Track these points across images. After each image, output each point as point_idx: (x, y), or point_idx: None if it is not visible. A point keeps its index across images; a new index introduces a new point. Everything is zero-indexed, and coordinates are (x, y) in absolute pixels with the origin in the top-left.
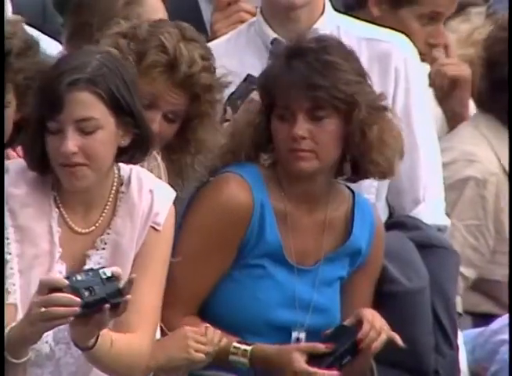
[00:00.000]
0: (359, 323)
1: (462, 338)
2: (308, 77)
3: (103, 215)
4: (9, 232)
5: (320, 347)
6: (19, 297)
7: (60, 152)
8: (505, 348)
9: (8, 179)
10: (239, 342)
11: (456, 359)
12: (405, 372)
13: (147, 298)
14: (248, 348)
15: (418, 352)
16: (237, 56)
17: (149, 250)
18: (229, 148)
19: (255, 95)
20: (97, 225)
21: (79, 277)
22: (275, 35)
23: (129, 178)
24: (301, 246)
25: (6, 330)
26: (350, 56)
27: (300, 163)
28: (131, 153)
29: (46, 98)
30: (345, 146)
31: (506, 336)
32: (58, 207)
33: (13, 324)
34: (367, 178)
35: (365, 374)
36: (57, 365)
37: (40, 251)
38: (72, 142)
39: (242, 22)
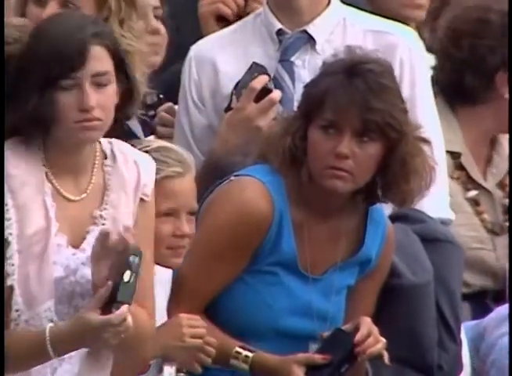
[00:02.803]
0: (356, 329)
1: (463, 329)
2: (368, 98)
3: (92, 183)
4: (11, 212)
5: (317, 358)
6: (16, 277)
7: (79, 107)
8: (504, 340)
9: (5, 160)
10: (241, 347)
11: (459, 354)
12: (409, 367)
13: (150, 273)
14: (250, 354)
15: (422, 346)
16: (242, 45)
17: (143, 221)
18: (263, 153)
19: (257, 82)
20: (88, 192)
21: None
22: (280, 26)
23: (112, 151)
24: (315, 256)
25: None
26: (396, 81)
27: (337, 182)
28: (124, 109)
29: (63, 55)
30: (379, 171)
31: (504, 329)
32: (50, 182)
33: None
34: (385, 203)
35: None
36: None
37: (37, 228)
38: (93, 97)
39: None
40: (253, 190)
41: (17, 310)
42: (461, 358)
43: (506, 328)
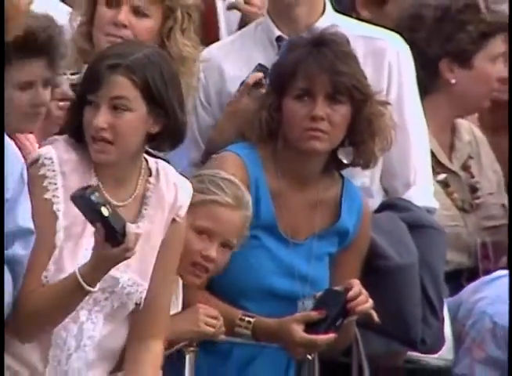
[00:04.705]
0: (347, 289)
1: (446, 305)
2: (335, 64)
3: (133, 196)
4: (60, 191)
5: (314, 315)
6: (57, 250)
7: (92, 125)
8: (480, 304)
9: (59, 147)
10: (243, 315)
11: (441, 330)
12: (395, 340)
13: (168, 300)
14: (252, 320)
15: (407, 322)
16: (245, 51)
17: (172, 240)
18: (241, 131)
19: (251, 78)
20: (126, 202)
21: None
22: (279, 33)
23: (157, 170)
24: (293, 222)
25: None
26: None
27: (315, 142)
28: (159, 141)
29: (90, 76)
30: (348, 132)
31: (481, 295)
32: (96, 177)
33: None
34: (353, 166)
35: (350, 341)
36: (80, 329)
37: (79, 212)
38: (103, 118)
39: None
40: (229, 162)
41: (46, 277)
42: (443, 333)
43: (481, 294)
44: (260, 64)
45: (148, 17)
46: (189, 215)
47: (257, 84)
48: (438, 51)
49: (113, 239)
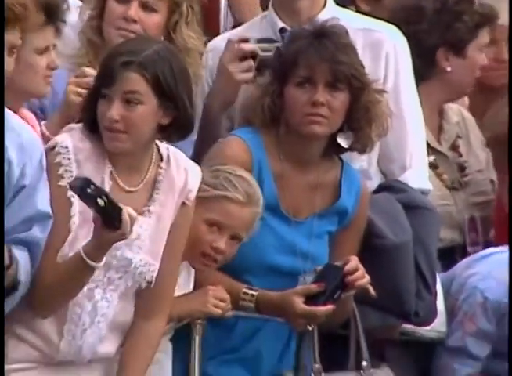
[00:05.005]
0: (346, 264)
1: (439, 280)
2: (335, 54)
3: (145, 181)
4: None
5: (314, 288)
6: (72, 234)
7: (106, 117)
8: (472, 280)
9: (75, 136)
10: (247, 288)
11: (433, 303)
12: (390, 314)
13: (173, 282)
14: (255, 293)
15: (401, 296)
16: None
17: (181, 222)
18: (245, 117)
19: (244, 45)
20: (138, 187)
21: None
22: (282, 24)
23: (168, 156)
24: (295, 202)
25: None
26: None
27: (315, 127)
28: (169, 132)
29: (104, 71)
30: (347, 118)
31: (472, 270)
32: (110, 168)
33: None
34: (351, 151)
35: (348, 314)
36: (94, 307)
37: None
38: (116, 111)
39: None
40: (233, 145)
41: (61, 257)
42: (436, 306)
43: (473, 270)
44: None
45: (156, 12)
46: (201, 207)
47: (253, 53)
48: (436, 40)
49: (110, 225)
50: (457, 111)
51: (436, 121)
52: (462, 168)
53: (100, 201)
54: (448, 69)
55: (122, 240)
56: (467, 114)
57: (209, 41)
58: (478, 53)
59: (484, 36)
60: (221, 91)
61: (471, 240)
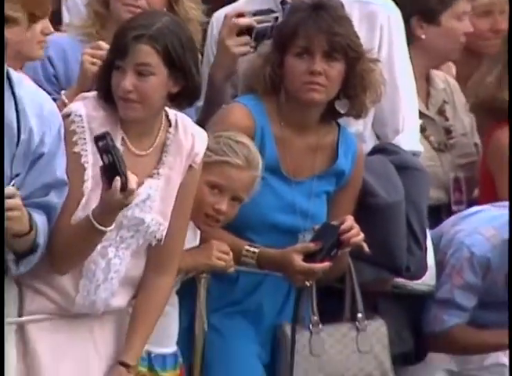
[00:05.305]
0: (342, 223)
1: (429, 236)
2: (331, 25)
3: (154, 145)
4: (88, 145)
5: (312, 246)
6: (85, 197)
7: (120, 87)
8: (459, 235)
9: (88, 105)
10: (249, 246)
11: (423, 258)
12: (383, 269)
13: (182, 239)
14: (256, 250)
15: (393, 252)
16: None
17: (187, 184)
18: (247, 84)
19: (240, 20)
20: (148, 151)
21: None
22: None
23: (176, 122)
24: (295, 164)
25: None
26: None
27: (313, 94)
28: (178, 99)
29: (117, 44)
30: (343, 86)
31: (459, 227)
32: (122, 131)
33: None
34: (347, 116)
35: (344, 270)
36: (108, 264)
37: None
38: (129, 82)
39: None
40: (237, 111)
41: (74, 220)
42: (426, 261)
43: (459, 227)
44: (269, 9)
45: None
46: (204, 171)
47: (249, 27)
48: (409, 10)
49: (108, 184)
50: (443, 78)
51: (424, 87)
52: (448, 132)
53: (105, 158)
54: (423, 37)
55: (126, 205)
56: (453, 81)
57: (209, 9)
58: (456, 21)
59: (459, 5)
60: (221, 63)
61: (456, 199)
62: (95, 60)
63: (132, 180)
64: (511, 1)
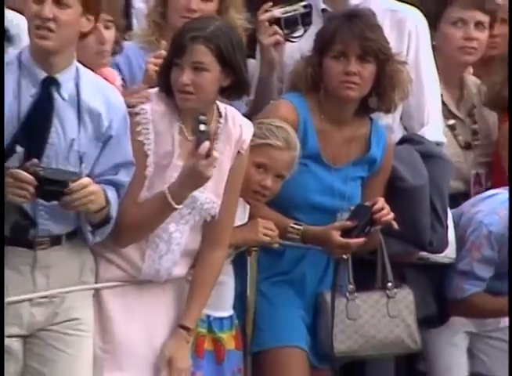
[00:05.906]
0: (374, 204)
1: (450, 216)
2: (364, 31)
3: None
4: (151, 135)
5: (348, 224)
6: (148, 181)
7: (178, 81)
8: (478, 215)
9: (152, 99)
10: (294, 223)
11: (445, 235)
12: (410, 243)
13: (232, 216)
14: (301, 227)
15: (419, 229)
16: None
17: (236, 168)
18: (292, 83)
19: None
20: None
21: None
22: (323, 6)
23: (226, 114)
24: (334, 152)
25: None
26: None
27: (349, 91)
28: (229, 92)
29: (176, 44)
30: (374, 85)
31: (478, 208)
32: (180, 121)
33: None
34: (378, 111)
35: (376, 244)
36: (169, 237)
37: (166, 150)
38: (186, 77)
39: None
40: (283, 107)
41: (140, 199)
42: (447, 237)
43: (478, 207)
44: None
45: (211, 1)
46: (250, 153)
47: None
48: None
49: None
50: (475, 83)
51: (457, 90)
52: (475, 133)
53: (202, 126)
54: (434, 43)
55: (202, 184)
56: (482, 86)
57: (252, 16)
58: (451, 27)
59: (453, 11)
60: (261, 56)
61: (476, 191)
62: (157, 68)
63: (214, 152)
64: (511, 2)
